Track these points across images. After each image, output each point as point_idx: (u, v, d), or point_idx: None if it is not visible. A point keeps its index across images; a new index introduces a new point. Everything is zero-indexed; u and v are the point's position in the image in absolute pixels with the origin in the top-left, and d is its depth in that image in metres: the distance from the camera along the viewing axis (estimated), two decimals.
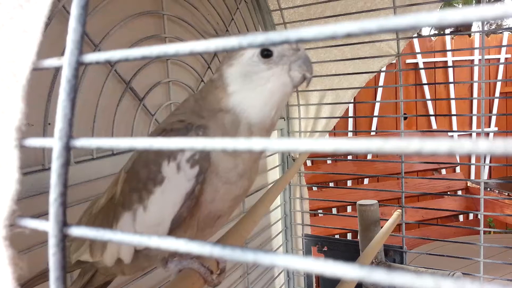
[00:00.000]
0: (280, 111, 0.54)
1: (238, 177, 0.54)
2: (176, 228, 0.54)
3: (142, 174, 0.53)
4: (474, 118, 3.17)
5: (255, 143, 0.19)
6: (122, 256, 0.55)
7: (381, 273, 0.16)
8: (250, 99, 0.52)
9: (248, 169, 0.55)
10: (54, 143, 0.24)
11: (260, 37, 0.20)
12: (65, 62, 0.24)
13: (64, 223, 0.24)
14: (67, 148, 0.24)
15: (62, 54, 0.25)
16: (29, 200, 0.59)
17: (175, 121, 0.54)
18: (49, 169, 0.63)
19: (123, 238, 0.23)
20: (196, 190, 0.52)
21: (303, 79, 0.52)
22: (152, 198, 0.52)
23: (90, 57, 0.24)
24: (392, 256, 1.23)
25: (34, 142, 0.26)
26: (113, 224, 0.56)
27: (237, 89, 0.53)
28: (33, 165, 0.63)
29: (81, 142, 0.24)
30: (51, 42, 0.65)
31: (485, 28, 1.01)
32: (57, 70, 0.65)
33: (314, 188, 2.61)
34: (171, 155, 0.52)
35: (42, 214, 0.60)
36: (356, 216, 1.18)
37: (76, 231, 0.24)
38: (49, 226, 0.24)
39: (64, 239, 0.25)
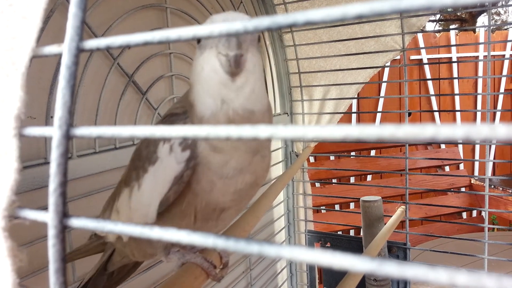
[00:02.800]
0: (239, 103, 0.46)
1: (236, 172, 0.51)
2: (170, 214, 0.53)
3: (143, 153, 0.54)
4: (478, 115, 3.15)
5: (261, 131, 0.19)
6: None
7: (392, 266, 0.16)
8: (196, 90, 0.49)
9: (247, 164, 0.51)
10: (53, 131, 0.23)
11: (266, 20, 0.19)
12: (65, 49, 0.23)
13: (64, 214, 0.24)
14: (67, 137, 0.23)
15: None
16: (31, 193, 0.59)
17: (177, 107, 0.54)
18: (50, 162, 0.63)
19: (123, 229, 0.23)
20: (185, 176, 0.50)
21: (229, 61, 0.43)
22: (146, 177, 0.53)
23: (91, 43, 0.24)
24: (396, 253, 1.23)
25: (34, 131, 0.25)
26: (115, 200, 0.58)
27: (192, 80, 0.50)
28: (34, 158, 0.62)
29: (81, 131, 0.23)
30: (53, 36, 0.64)
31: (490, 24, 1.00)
32: (59, 62, 0.64)
33: (317, 184, 2.60)
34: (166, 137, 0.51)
35: (44, 208, 0.60)
36: (359, 213, 1.17)
37: (76, 222, 0.24)
38: (48, 217, 0.24)
39: (64, 231, 0.24)
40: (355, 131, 0.17)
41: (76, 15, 0.23)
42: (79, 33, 0.24)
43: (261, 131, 0.19)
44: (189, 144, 0.50)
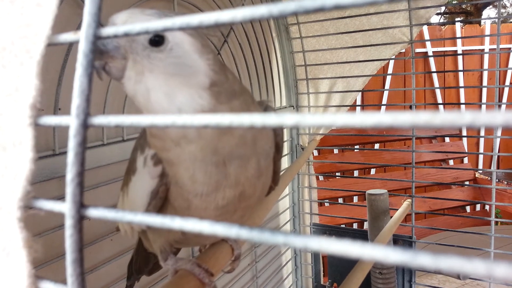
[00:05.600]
0: (144, 111, 0.44)
1: (211, 188, 0.47)
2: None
3: (131, 157, 0.53)
4: (484, 108, 3.13)
5: (287, 119, 0.18)
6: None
7: (426, 257, 0.15)
8: None
9: (221, 177, 0.46)
10: (71, 120, 0.23)
11: (292, 5, 0.19)
12: (82, 35, 0.23)
13: (81, 204, 0.23)
14: (85, 126, 0.23)
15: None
16: (39, 185, 0.59)
17: None
18: (59, 154, 0.63)
19: (142, 219, 0.22)
20: (161, 192, 0.48)
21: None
22: (130, 185, 0.52)
23: (108, 30, 0.23)
24: (401, 246, 1.22)
25: (49, 120, 0.25)
26: (118, 201, 0.57)
27: None
28: (43, 150, 0.62)
29: (99, 120, 0.23)
30: (61, 28, 0.63)
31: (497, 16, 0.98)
32: (67, 53, 0.63)
33: (321, 178, 2.60)
34: (142, 147, 0.49)
35: (54, 199, 0.60)
36: (363, 206, 1.17)
37: (94, 213, 0.23)
38: (65, 207, 0.23)
39: (81, 221, 0.24)
40: (387, 118, 0.16)
41: (93, 1, 0.23)
42: (96, 20, 0.23)
43: (287, 119, 0.18)
44: (160, 158, 0.47)
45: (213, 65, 0.44)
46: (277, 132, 0.53)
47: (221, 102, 0.44)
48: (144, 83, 0.42)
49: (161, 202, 0.49)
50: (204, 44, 0.45)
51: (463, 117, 0.15)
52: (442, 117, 0.15)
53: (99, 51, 0.42)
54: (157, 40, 0.42)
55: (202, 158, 0.45)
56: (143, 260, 0.67)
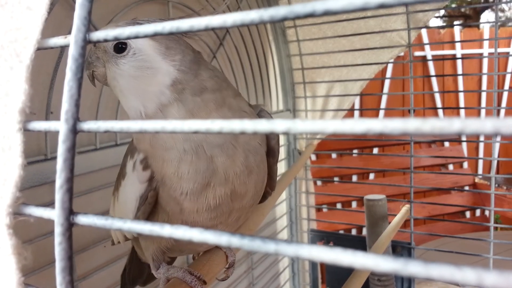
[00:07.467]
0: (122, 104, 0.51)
1: (199, 186, 0.47)
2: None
3: (122, 162, 0.54)
4: (483, 112, 3.12)
5: (277, 125, 0.18)
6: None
7: (417, 265, 0.15)
8: None
9: (210, 173, 0.47)
10: (60, 125, 0.23)
11: (283, 10, 0.18)
12: (72, 40, 0.23)
13: (70, 211, 0.23)
14: (74, 131, 0.22)
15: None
16: (31, 190, 0.58)
17: None
18: (51, 159, 0.62)
19: (132, 227, 0.22)
20: (150, 197, 0.48)
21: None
22: (121, 190, 0.52)
23: (98, 34, 0.23)
24: (400, 252, 1.22)
25: (39, 125, 0.25)
26: (110, 206, 0.58)
27: None
28: (35, 155, 0.62)
29: (89, 125, 0.23)
30: (53, 31, 0.63)
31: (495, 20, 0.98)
32: (60, 56, 0.63)
33: (319, 183, 2.59)
34: (132, 152, 0.50)
35: (45, 205, 0.59)
36: (361, 211, 1.16)
37: (84, 220, 0.23)
38: (54, 214, 0.23)
39: (71, 228, 0.23)
40: (377, 125, 0.16)
41: (83, 5, 0.23)
42: (86, 24, 0.23)
43: (277, 125, 0.18)
44: (149, 163, 0.48)
45: (179, 65, 0.47)
46: (271, 136, 0.53)
47: (182, 98, 0.47)
48: (118, 86, 0.48)
49: (150, 208, 0.50)
50: (170, 46, 0.47)
51: (452, 124, 0.14)
52: (431, 124, 0.15)
53: (87, 62, 0.48)
54: (120, 47, 0.47)
55: (185, 150, 0.47)
56: (137, 270, 0.66)
